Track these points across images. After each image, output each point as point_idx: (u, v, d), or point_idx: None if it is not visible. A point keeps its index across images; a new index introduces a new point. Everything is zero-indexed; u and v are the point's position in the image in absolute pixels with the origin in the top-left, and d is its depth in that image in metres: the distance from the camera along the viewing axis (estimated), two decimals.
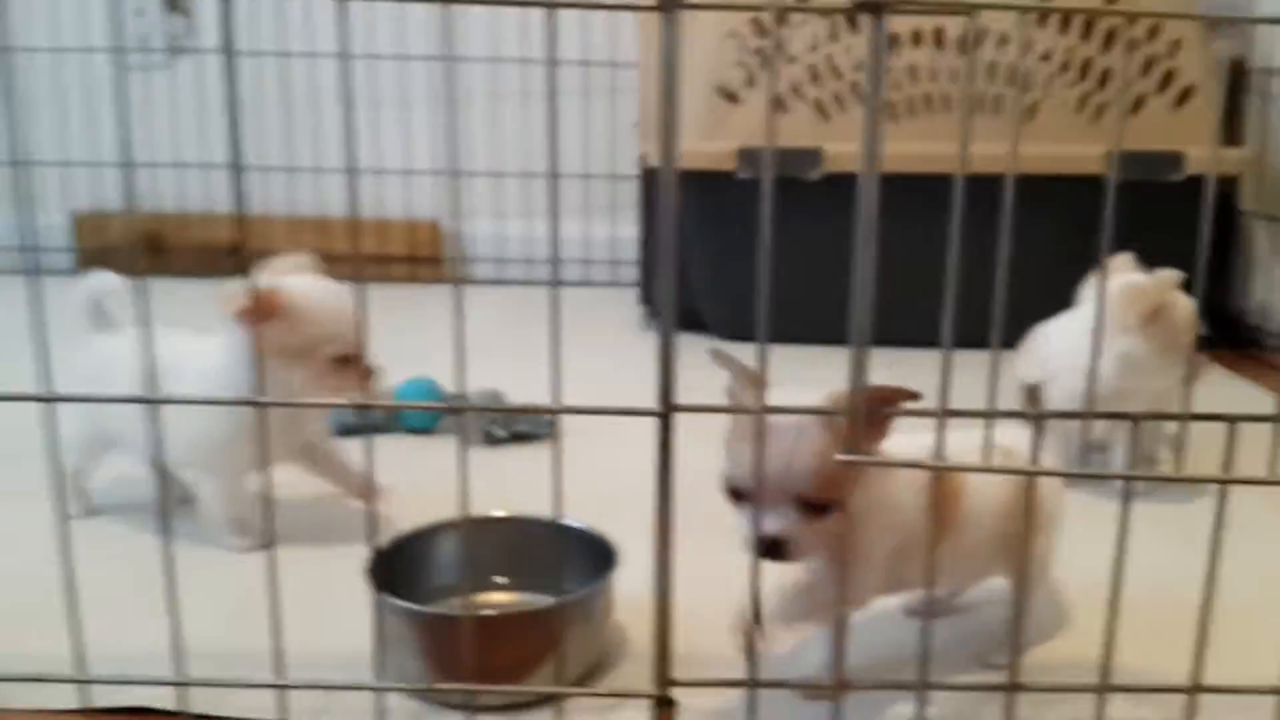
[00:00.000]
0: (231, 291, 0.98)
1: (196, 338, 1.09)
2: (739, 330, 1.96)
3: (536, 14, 2.40)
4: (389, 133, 2.47)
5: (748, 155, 1.84)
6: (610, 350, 1.89)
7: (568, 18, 2.39)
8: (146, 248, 2.49)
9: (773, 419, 0.68)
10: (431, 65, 2.42)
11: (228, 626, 0.90)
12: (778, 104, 1.86)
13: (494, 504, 0.95)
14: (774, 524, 0.70)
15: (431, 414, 1.40)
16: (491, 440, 1.36)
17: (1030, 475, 0.70)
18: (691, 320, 1.98)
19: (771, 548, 0.71)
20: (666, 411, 0.68)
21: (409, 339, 1.87)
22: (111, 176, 2.48)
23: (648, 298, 2.18)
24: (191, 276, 2.49)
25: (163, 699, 0.78)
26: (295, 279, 1.05)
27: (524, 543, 0.92)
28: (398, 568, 0.86)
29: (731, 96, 1.88)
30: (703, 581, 0.89)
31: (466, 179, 2.49)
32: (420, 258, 2.54)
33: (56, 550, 0.67)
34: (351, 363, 1.01)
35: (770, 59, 0.62)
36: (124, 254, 2.47)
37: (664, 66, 0.64)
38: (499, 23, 2.41)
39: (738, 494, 0.72)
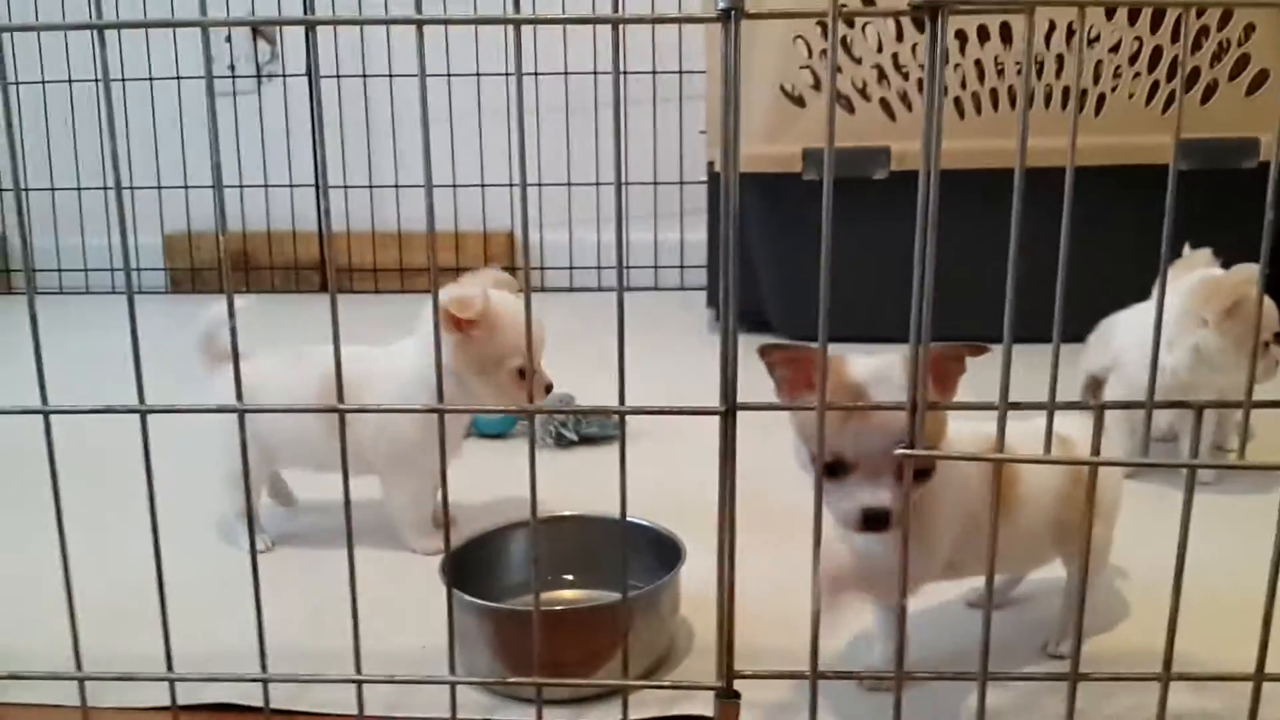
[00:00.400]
0: (448, 299, 1.02)
1: (375, 349, 1.14)
2: (805, 331, 1.96)
3: (603, 28, 2.44)
4: (463, 148, 2.52)
5: (813, 156, 1.85)
6: (678, 353, 1.92)
7: (637, 29, 2.42)
8: (235, 266, 2.58)
9: (868, 386, 0.69)
10: (502, 80, 2.48)
11: (308, 624, 0.95)
12: (845, 104, 1.87)
13: (564, 504, 0.98)
14: (879, 494, 0.71)
15: (505, 418, 1.44)
16: (562, 442, 1.40)
17: (1092, 465, 0.71)
18: (758, 322, 2.00)
19: (876, 519, 0.71)
20: (729, 410, 0.70)
21: None
22: (200, 198, 2.58)
23: (715, 301, 2.20)
24: (280, 292, 2.59)
25: (245, 695, 0.82)
26: (495, 293, 1.10)
27: (592, 541, 0.94)
28: (471, 566, 0.90)
29: (798, 99, 1.90)
30: (765, 576, 0.92)
31: (539, 189, 2.54)
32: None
33: (146, 555, 0.72)
34: (531, 375, 1.05)
35: (831, 60, 0.64)
36: (213, 273, 2.58)
37: (725, 75, 0.66)
38: (570, 36, 2.45)
39: (833, 469, 0.71)
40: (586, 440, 1.40)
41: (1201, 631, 0.75)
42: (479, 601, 0.81)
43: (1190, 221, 0.66)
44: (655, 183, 2.52)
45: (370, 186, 2.57)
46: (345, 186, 2.57)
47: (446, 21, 0.70)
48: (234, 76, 2.54)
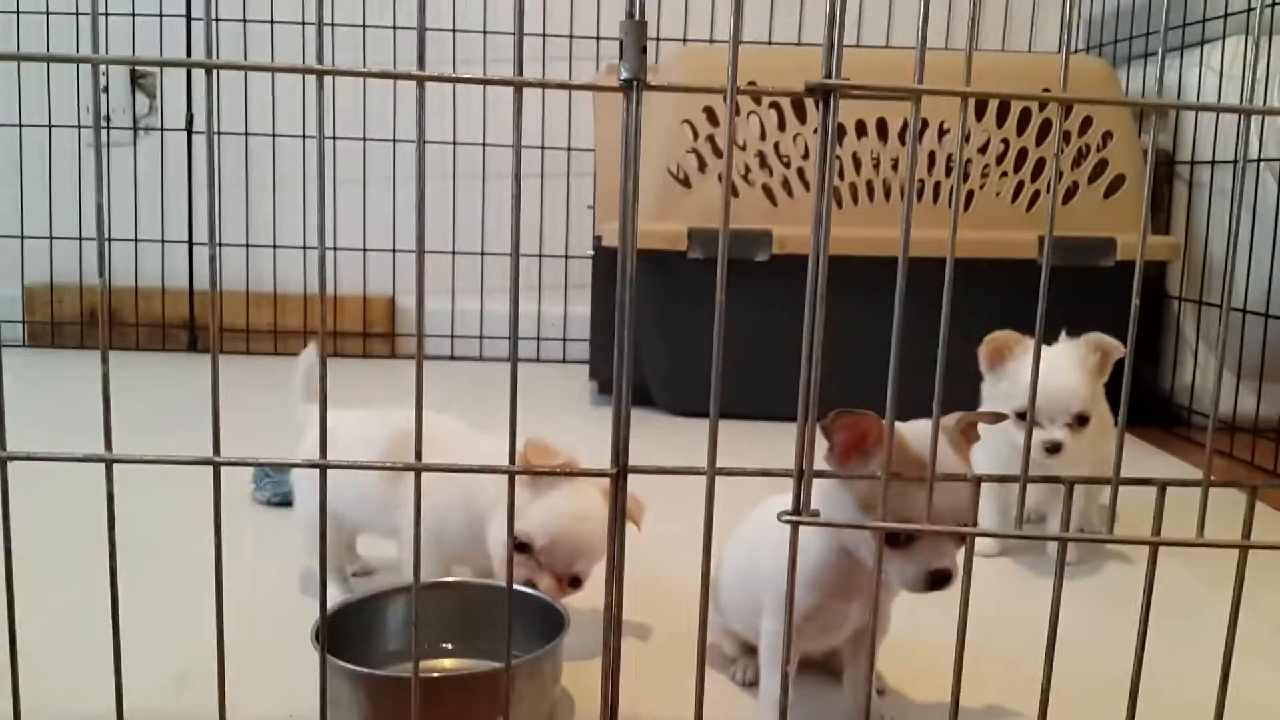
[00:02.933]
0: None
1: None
2: (686, 406, 2.00)
3: (494, 98, 2.46)
4: (345, 210, 2.50)
5: (698, 236, 1.89)
6: (561, 422, 1.91)
7: (527, 104, 2.45)
8: (96, 321, 2.48)
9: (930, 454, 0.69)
10: (386, 145, 2.47)
11: (173, 688, 0.90)
12: (732, 188, 1.92)
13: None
14: (950, 558, 0.75)
15: None
16: None
17: (970, 535, 0.73)
18: (640, 397, 2.01)
19: (943, 579, 0.75)
20: (620, 472, 0.70)
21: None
22: (64, 250, 2.47)
23: (597, 373, 2.21)
24: (143, 350, 2.49)
25: None
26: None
27: (473, 609, 0.92)
28: (345, 632, 0.87)
29: (683, 180, 1.94)
30: (650, 644, 0.91)
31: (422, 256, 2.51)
32: (373, 333, 2.55)
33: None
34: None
35: (729, 135, 0.66)
36: (73, 327, 2.47)
37: (625, 143, 0.67)
38: (461, 104, 2.46)
39: (896, 536, 0.74)
40: None
41: (1069, 709, 0.77)
42: (353, 667, 0.78)
43: (1047, 316, 0.69)
44: (541, 255, 2.54)
45: (246, 245, 2.51)
46: (220, 244, 2.51)
47: (352, 74, 0.70)
48: (109, 127, 2.47)
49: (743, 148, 1.92)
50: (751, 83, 0.73)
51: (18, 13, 2.41)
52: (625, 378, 0.71)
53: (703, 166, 1.94)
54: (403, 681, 0.73)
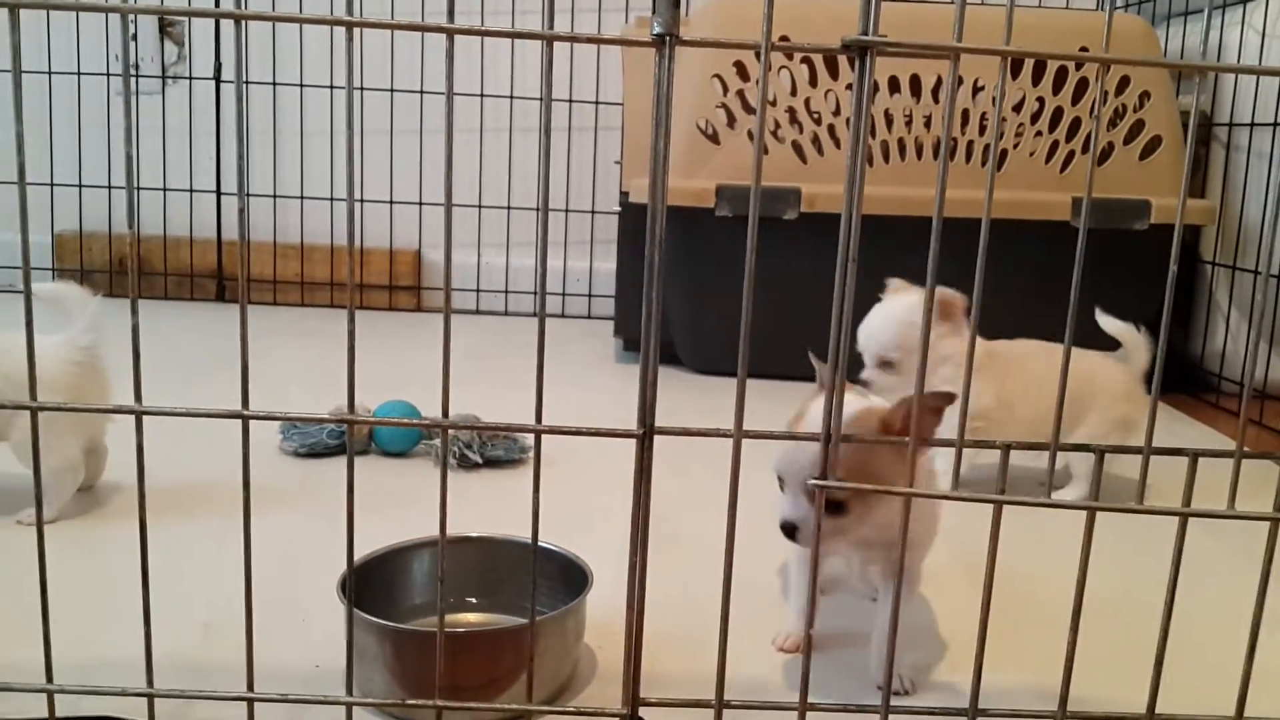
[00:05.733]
0: None
1: None
2: (710, 363, 1.99)
3: (522, 50, 2.44)
4: (372, 161, 2.49)
5: (727, 193, 1.87)
6: (586, 380, 1.92)
7: (557, 57, 2.43)
8: (125, 269, 2.49)
9: (804, 418, 0.78)
10: (414, 96, 2.46)
11: (200, 637, 0.91)
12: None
13: (466, 527, 0.96)
14: (793, 511, 0.82)
15: (408, 437, 1.41)
16: (465, 464, 1.38)
17: (997, 503, 0.72)
18: (665, 355, 2.01)
19: (786, 530, 0.82)
20: (647, 433, 0.70)
21: (387, 365, 1.89)
22: (94, 198, 2.49)
23: (622, 330, 2.20)
24: (172, 299, 2.50)
25: (130, 709, 0.78)
26: None
27: (497, 564, 0.93)
28: (372, 585, 0.87)
29: (712, 136, 1.92)
30: (673, 602, 0.91)
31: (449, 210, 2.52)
32: (400, 286, 2.55)
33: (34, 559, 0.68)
34: None
35: (762, 94, 0.65)
36: (103, 274, 2.49)
37: (657, 98, 0.66)
38: (488, 57, 2.44)
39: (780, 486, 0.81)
40: (490, 463, 1.38)
41: (1095, 671, 0.77)
42: (379, 621, 0.78)
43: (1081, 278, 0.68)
44: (567, 210, 2.53)
45: (274, 196, 2.51)
46: (247, 194, 2.51)
47: (381, 25, 0.69)
48: (138, 76, 2.47)
49: (773, 103, 1.90)
50: (784, 38, 0.71)
51: None
52: (653, 337, 0.70)
53: (731, 122, 1.92)
54: (428, 635, 0.74)
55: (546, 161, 0.69)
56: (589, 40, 0.69)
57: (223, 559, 1.05)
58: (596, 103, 2.48)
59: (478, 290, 2.56)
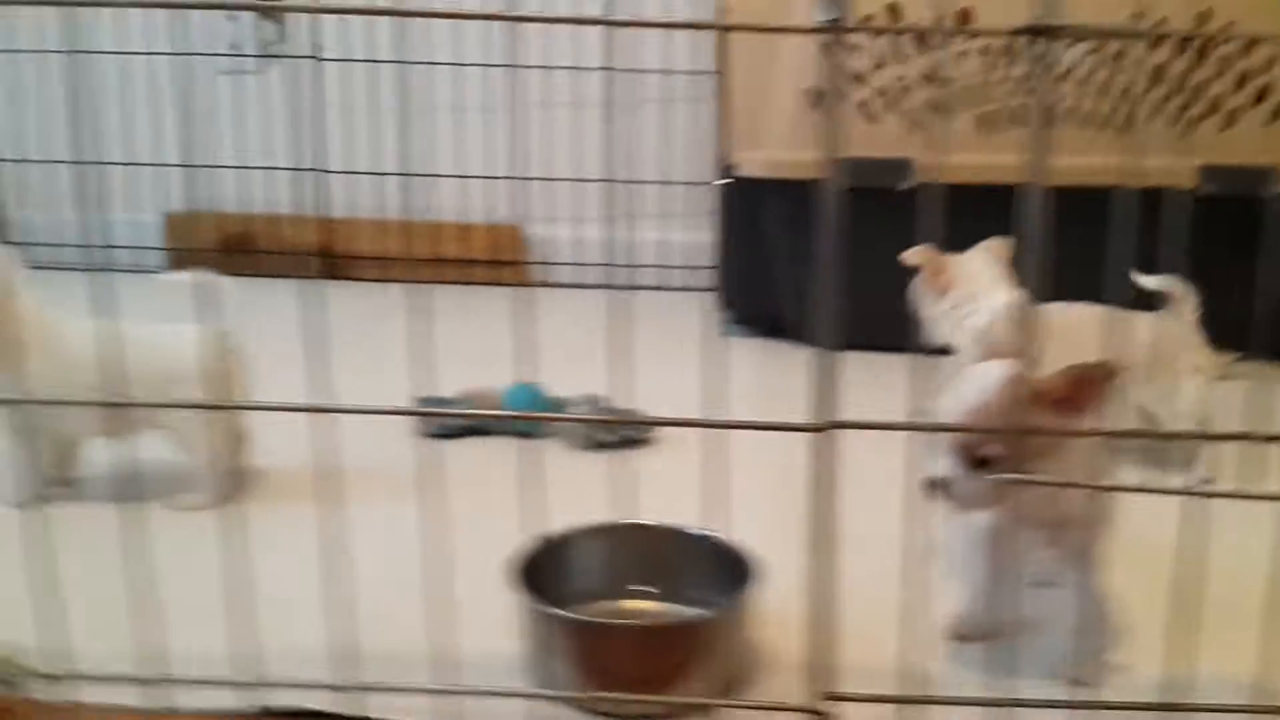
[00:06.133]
0: None
1: None
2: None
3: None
4: (471, 137, 2.51)
5: (843, 164, 1.85)
6: (690, 354, 1.91)
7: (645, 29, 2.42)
8: (235, 248, 2.55)
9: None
10: (515, 72, 2.46)
11: (381, 628, 0.94)
12: (867, 114, 1.88)
13: (599, 509, 0.97)
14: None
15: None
16: (597, 445, 1.39)
17: (1109, 490, 0.71)
18: (775, 328, 2.00)
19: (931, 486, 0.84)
20: (829, 428, 0.70)
21: (497, 342, 1.90)
22: (204, 178, 2.54)
23: (733, 305, 2.19)
24: (279, 277, 2.55)
25: (318, 701, 0.81)
26: None
27: (662, 552, 0.94)
28: (538, 572, 0.89)
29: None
30: (848, 594, 0.92)
31: (547, 184, 2.53)
32: (502, 261, 2.57)
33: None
34: None
35: (939, 77, 0.64)
36: (213, 254, 2.54)
37: (829, 94, 0.66)
38: (583, 32, 2.43)
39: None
40: (623, 443, 1.40)
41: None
42: (561, 613, 0.80)
43: (1208, 246, 0.67)
44: (665, 182, 2.52)
45: (376, 173, 2.54)
46: (348, 172, 2.54)
47: (528, 18, 0.69)
48: (238, 55, 2.50)
49: (879, 68, 1.86)
50: (962, 18, 0.70)
51: None
52: (828, 327, 0.70)
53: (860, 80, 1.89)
54: (614, 626, 0.75)
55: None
56: (756, 29, 0.69)
57: (376, 545, 1.08)
58: (692, 73, 2.46)
59: (575, 264, 2.57)
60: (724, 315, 2.22)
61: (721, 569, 0.89)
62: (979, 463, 0.79)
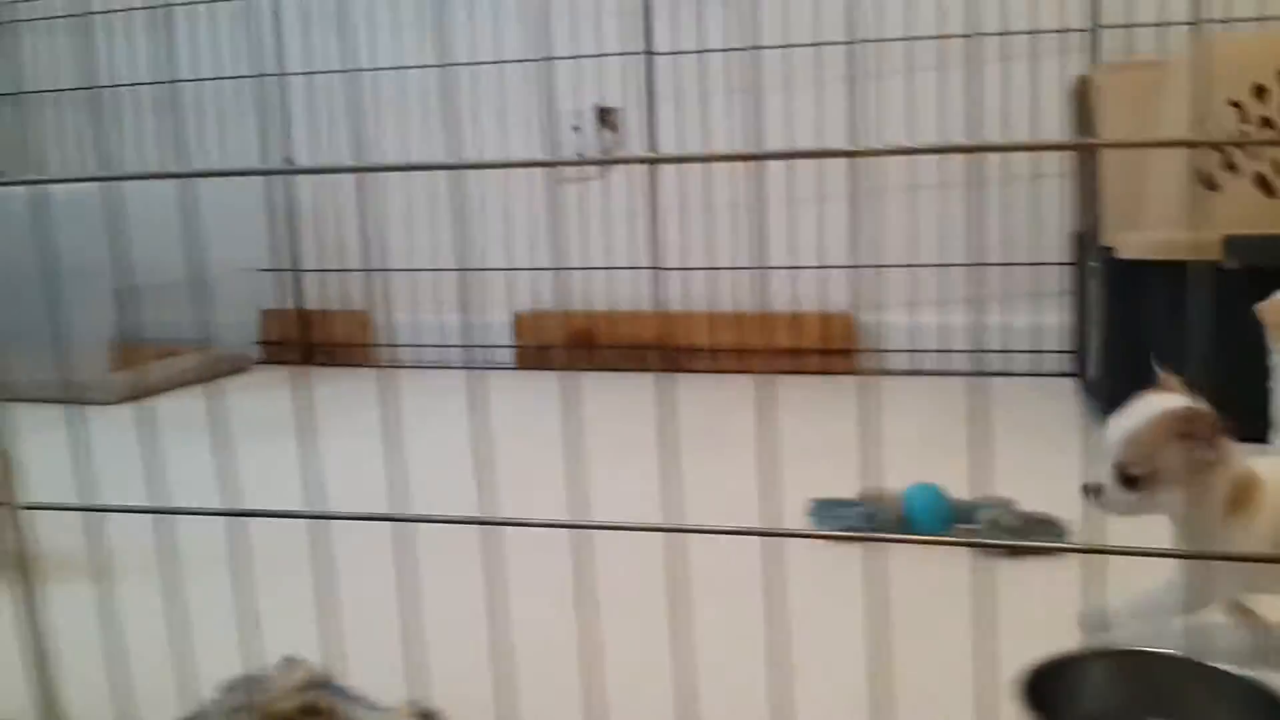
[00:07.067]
0: None
1: None
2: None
3: (951, 102, 2.40)
4: (802, 227, 2.53)
5: (1236, 244, 1.73)
6: (1061, 442, 1.81)
7: (989, 95, 2.39)
8: (579, 344, 2.67)
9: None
10: (840, 161, 2.47)
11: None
12: (1266, 187, 1.75)
13: (1022, 627, 0.90)
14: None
15: (942, 520, 1.39)
16: (1011, 552, 1.33)
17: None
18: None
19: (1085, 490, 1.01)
20: None
21: (848, 435, 1.87)
22: (548, 279, 2.69)
23: (1092, 387, 2.08)
24: (618, 370, 2.65)
25: None
26: None
27: (1169, 681, 0.87)
28: (1042, 692, 0.84)
29: (1210, 182, 1.79)
30: None
31: (881, 271, 2.51)
32: (832, 350, 2.57)
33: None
34: None
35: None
36: (557, 350, 2.67)
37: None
38: (921, 114, 2.42)
39: None
40: (1035, 550, 1.33)
41: None
42: None
43: None
44: (1008, 264, 2.44)
45: (708, 269, 2.61)
46: (683, 269, 2.62)
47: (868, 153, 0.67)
48: (581, 163, 2.64)
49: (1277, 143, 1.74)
50: None
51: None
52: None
53: (1231, 166, 1.78)
54: None
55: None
56: (1127, 145, 0.64)
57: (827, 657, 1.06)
58: (1035, 149, 2.39)
59: (911, 350, 2.53)
60: (1086, 400, 2.11)
61: (1240, 710, 0.81)
62: (1128, 481, 0.96)
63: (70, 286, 1.91)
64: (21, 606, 0.76)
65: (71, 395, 2.04)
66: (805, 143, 2.48)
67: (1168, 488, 0.96)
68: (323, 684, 0.86)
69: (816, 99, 2.48)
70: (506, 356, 2.73)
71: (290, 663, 0.86)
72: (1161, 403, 0.99)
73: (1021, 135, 2.37)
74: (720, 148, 2.56)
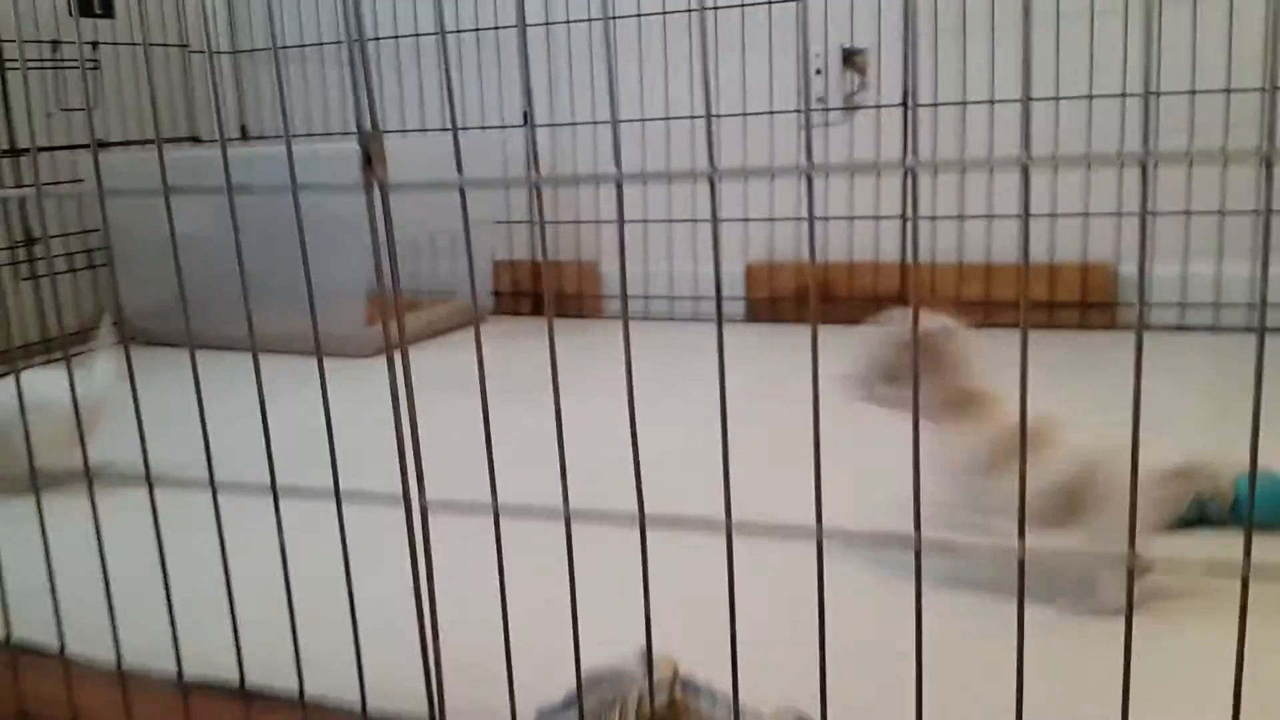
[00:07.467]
0: None
1: None
2: None
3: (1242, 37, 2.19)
4: (1066, 176, 2.37)
5: None
6: None
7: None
8: (805, 296, 2.59)
9: None
10: (1112, 101, 2.30)
11: None
12: None
13: None
14: None
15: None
16: None
17: None
18: None
19: None
20: None
21: (1091, 390, 1.72)
22: (784, 229, 2.61)
23: None
24: (854, 324, 2.56)
25: None
26: None
27: None
28: None
29: None
30: None
31: (1150, 218, 2.33)
32: (1092, 303, 2.41)
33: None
34: None
35: None
36: (789, 303, 2.61)
37: None
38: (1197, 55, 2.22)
39: None
40: None
41: None
42: None
43: None
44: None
45: (958, 217, 2.48)
46: (933, 218, 2.50)
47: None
48: (826, 109, 2.55)
49: None
50: None
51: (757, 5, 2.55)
52: None
53: None
54: None
55: None
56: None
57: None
58: None
59: (1182, 304, 2.35)
60: None
61: None
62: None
63: (330, 240, 1.96)
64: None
65: (330, 349, 2.11)
66: (1075, 89, 2.31)
67: None
68: (685, 682, 0.84)
69: (1091, 40, 2.30)
70: (737, 309, 2.68)
71: (654, 658, 0.84)
72: None
73: None
74: (981, 96, 2.41)
